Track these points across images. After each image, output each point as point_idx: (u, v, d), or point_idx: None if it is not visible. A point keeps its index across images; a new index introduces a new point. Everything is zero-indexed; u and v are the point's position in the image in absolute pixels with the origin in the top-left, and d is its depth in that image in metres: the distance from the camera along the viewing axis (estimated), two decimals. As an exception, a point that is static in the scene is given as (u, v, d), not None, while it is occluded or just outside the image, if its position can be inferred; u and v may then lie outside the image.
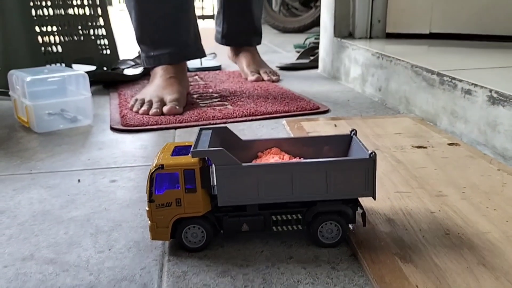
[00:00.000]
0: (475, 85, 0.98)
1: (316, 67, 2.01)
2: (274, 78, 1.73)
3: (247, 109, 1.32)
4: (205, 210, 0.62)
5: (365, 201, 0.71)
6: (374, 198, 0.61)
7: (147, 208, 0.61)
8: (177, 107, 1.29)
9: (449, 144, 0.98)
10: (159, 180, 0.60)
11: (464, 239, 0.61)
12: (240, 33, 1.80)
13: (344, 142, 0.70)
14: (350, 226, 0.66)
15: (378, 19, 1.75)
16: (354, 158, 0.61)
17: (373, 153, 0.60)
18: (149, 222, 0.62)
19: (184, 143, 0.67)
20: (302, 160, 0.68)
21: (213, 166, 0.61)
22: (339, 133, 0.70)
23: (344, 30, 1.79)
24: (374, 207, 0.71)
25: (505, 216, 0.67)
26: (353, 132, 0.69)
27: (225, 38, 1.82)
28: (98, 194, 0.82)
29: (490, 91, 0.93)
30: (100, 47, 1.83)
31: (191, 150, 0.60)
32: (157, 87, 1.36)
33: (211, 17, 4.82)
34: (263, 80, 1.72)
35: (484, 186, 0.77)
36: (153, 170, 0.60)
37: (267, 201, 0.61)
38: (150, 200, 0.61)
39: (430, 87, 1.15)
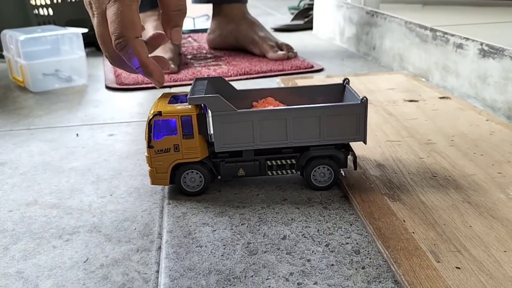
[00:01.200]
0: (467, 39, 0.99)
1: (311, 28, 2.00)
2: (295, 52, 1.46)
3: (242, 68, 1.32)
4: (202, 156, 0.64)
5: (357, 149, 0.74)
6: (365, 142, 0.64)
7: (146, 154, 0.63)
8: (172, 65, 1.29)
9: (440, 98, 1.00)
10: (157, 126, 0.62)
11: (451, 181, 0.64)
12: None
13: (337, 91, 0.71)
14: (342, 171, 0.68)
15: (373, -22, 1.74)
16: (346, 103, 0.63)
17: (364, 98, 0.61)
18: (148, 168, 0.64)
19: (179, 92, 0.69)
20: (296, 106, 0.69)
21: (210, 112, 0.62)
22: (333, 82, 0.72)
23: (339, -10, 1.77)
24: (365, 154, 0.74)
25: (491, 160, 0.70)
26: (345, 81, 0.71)
27: None
28: (97, 146, 0.84)
29: (481, 44, 0.94)
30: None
31: (187, 97, 0.62)
32: None
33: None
34: (288, 58, 1.41)
35: (472, 135, 0.79)
36: (151, 117, 0.62)
37: (263, 146, 0.63)
38: (149, 146, 0.63)
39: (423, 43, 1.16)
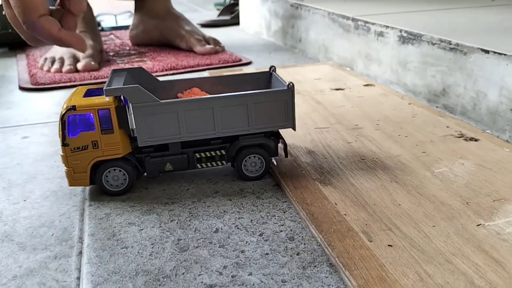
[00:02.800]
0: (387, 26, 1.02)
1: (238, 23, 1.99)
2: (222, 46, 1.43)
3: (168, 64, 1.28)
4: (125, 152, 0.60)
5: (287, 137, 0.73)
6: (294, 129, 0.63)
7: (61, 153, 0.58)
8: (93, 62, 1.22)
9: (365, 85, 1.02)
10: (72, 122, 0.57)
11: (378, 162, 0.65)
12: None
13: (264, 79, 0.70)
14: (273, 159, 0.67)
15: (296, -28, 1.76)
16: (273, 90, 0.62)
17: (291, 84, 0.60)
18: (65, 168, 0.59)
19: (96, 86, 0.64)
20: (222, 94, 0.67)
21: (130, 105, 0.58)
22: (259, 70, 0.70)
23: (263, -16, 1.78)
24: (296, 142, 0.73)
25: (415, 141, 0.72)
26: (272, 69, 0.70)
27: None
28: (9, 150, 0.77)
29: (400, 31, 0.98)
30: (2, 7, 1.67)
31: (104, 88, 0.57)
32: None
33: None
34: (216, 52, 1.38)
35: (396, 118, 0.82)
36: (64, 112, 0.57)
37: (190, 138, 0.60)
38: (64, 144, 0.58)
39: (346, 33, 1.19)
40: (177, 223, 0.54)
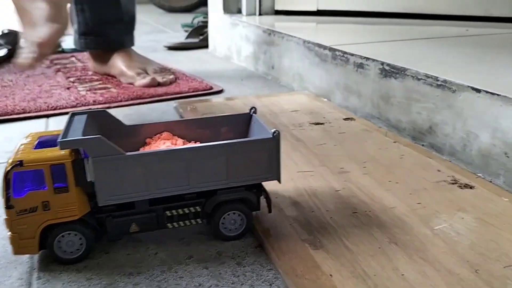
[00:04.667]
0: (367, 58, 0.97)
1: (206, 46, 1.92)
2: (170, 77, 1.28)
3: (134, 92, 1.19)
4: (82, 213, 0.51)
5: (268, 184, 0.66)
6: (279, 181, 0.56)
7: (5, 217, 0.49)
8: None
9: (345, 119, 0.97)
10: (18, 180, 0.48)
11: (372, 217, 0.58)
12: (107, 26, 1.29)
13: (243, 121, 0.63)
14: (257, 216, 0.59)
15: (267, -4, 1.71)
16: (256, 139, 0.54)
17: (277, 132, 0.53)
18: (9, 233, 0.49)
19: (51, 132, 0.55)
20: (198, 144, 0.59)
21: (89, 158, 0.50)
22: (237, 113, 0.63)
23: (233, 7, 1.72)
24: (278, 190, 0.66)
25: (407, 188, 0.66)
26: (252, 111, 0.62)
27: (84, 36, 1.30)
28: None
29: (382, 63, 0.93)
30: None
31: (58, 140, 0.48)
32: None
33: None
34: (158, 84, 1.25)
35: (383, 159, 0.76)
36: (8, 168, 0.47)
37: (159, 195, 0.52)
38: (8, 206, 0.48)
39: (323, 62, 1.14)
40: (144, 302, 0.46)
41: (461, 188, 0.66)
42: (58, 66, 1.54)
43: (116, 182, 0.50)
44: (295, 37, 1.25)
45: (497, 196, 0.63)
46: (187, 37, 2.05)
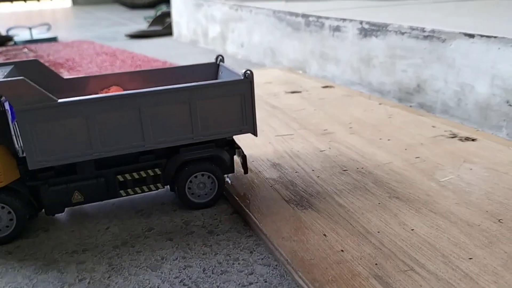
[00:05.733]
0: (344, 19, 0.89)
1: (171, 34, 1.81)
2: None
3: (89, 75, 1.07)
4: (8, 180, 0.40)
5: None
6: (255, 134, 0.46)
7: None
8: None
9: (324, 87, 0.88)
10: None
11: (366, 173, 0.50)
12: None
13: (209, 72, 0.53)
14: (228, 178, 0.50)
15: (232, -24, 1.62)
16: (225, 80, 0.45)
17: (249, 72, 0.44)
18: None
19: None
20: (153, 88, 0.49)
21: (13, 109, 0.39)
22: (203, 62, 0.54)
23: (197, -12, 1.62)
24: (253, 153, 0.56)
25: (402, 144, 0.57)
26: (219, 59, 0.53)
27: None
28: None
29: (361, 23, 0.85)
30: None
31: (-31, 83, 0.37)
32: None
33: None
34: None
35: (370, 120, 0.67)
36: None
37: (107, 154, 0.42)
38: None
39: (295, 31, 1.05)
40: (89, 283, 0.35)
41: (462, 141, 0.58)
42: (8, 56, 1.41)
43: (49, 139, 0.39)
44: (264, 8, 1.16)
45: (505, 147, 0.55)
46: (150, 26, 1.94)
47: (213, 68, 0.53)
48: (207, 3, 1.47)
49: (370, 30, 0.83)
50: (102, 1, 3.98)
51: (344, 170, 0.51)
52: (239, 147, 0.48)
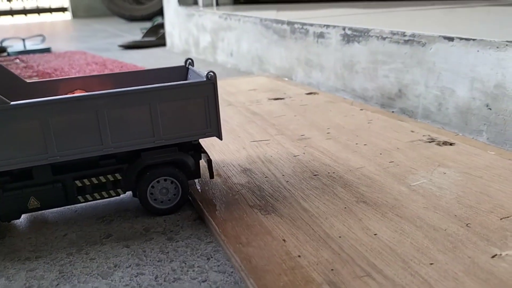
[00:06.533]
0: (327, 26, 0.89)
1: (164, 44, 1.81)
2: None
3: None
4: (-39, 184, 0.39)
5: (213, 155, 0.55)
6: (220, 137, 0.45)
7: None
8: None
9: (307, 94, 0.87)
10: None
11: (336, 178, 0.48)
12: None
13: (178, 76, 0.52)
14: (198, 185, 0.49)
15: (224, -15, 1.62)
16: (187, 82, 0.43)
17: (212, 74, 0.43)
18: None
19: None
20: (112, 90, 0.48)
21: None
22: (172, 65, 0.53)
23: (189, -2, 1.63)
24: (226, 159, 0.55)
25: (377, 149, 0.56)
26: (188, 62, 0.52)
27: None
28: None
29: (344, 28, 0.84)
30: None
31: None
32: None
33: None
34: None
35: (349, 125, 0.66)
36: None
37: (63, 158, 0.40)
38: None
39: (281, 39, 1.04)
40: (36, 291, 0.34)
41: (440, 145, 0.57)
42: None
43: (2, 142, 0.38)
44: (251, 17, 1.16)
45: (482, 151, 0.54)
46: (144, 37, 1.95)
47: (183, 71, 0.52)
48: (198, 13, 1.47)
49: (352, 36, 0.82)
50: (102, 14, 4.01)
51: (314, 175, 0.49)
52: (204, 152, 0.47)
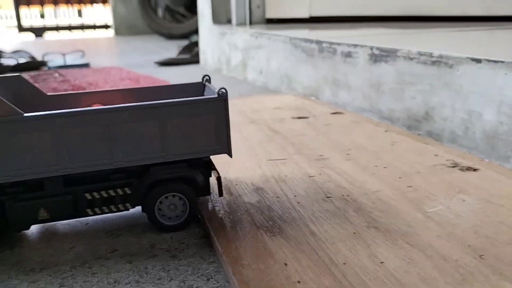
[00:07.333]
0: (355, 45, 0.88)
1: (198, 62, 1.85)
2: None
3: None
4: (-25, 193, 0.40)
5: (229, 172, 0.55)
6: (230, 155, 0.45)
7: None
8: None
9: (333, 113, 0.86)
10: None
11: (350, 201, 0.47)
12: None
13: (195, 92, 0.53)
14: (210, 203, 0.48)
15: (258, 5, 1.64)
16: (198, 98, 0.44)
17: (223, 91, 0.43)
18: None
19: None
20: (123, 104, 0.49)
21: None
22: (189, 82, 0.53)
23: (223, 17, 1.65)
24: (240, 177, 0.55)
25: (397, 172, 0.54)
26: (205, 79, 0.52)
27: None
28: None
29: (371, 48, 0.83)
30: None
31: None
32: None
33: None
34: None
35: (372, 147, 0.64)
36: None
37: (73, 170, 0.41)
38: None
39: (309, 58, 1.04)
40: (35, 302, 0.34)
41: (463, 171, 0.54)
42: (37, 80, 1.47)
43: (15, 153, 0.39)
44: (281, 35, 1.16)
45: (506, 178, 0.51)
46: (179, 54, 1.99)
47: (199, 87, 0.52)
48: (230, 31, 1.49)
49: (380, 55, 0.81)
50: (143, 32, 4.14)
51: (327, 197, 0.48)
52: (215, 168, 0.47)
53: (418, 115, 0.73)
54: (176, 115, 0.42)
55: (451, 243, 0.37)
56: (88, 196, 0.43)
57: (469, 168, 0.55)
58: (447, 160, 0.58)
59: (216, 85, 1.39)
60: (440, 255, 0.36)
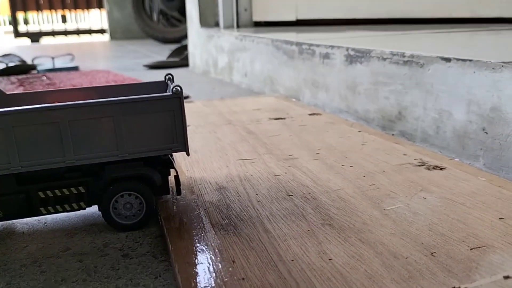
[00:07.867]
0: (332, 46, 0.87)
1: (187, 65, 1.84)
2: None
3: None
4: None
5: (195, 172, 0.55)
6: (187, 153, 0.44)
7: None
8: None
9: (310, 114, 0.86)
10: None
11: (310, 199, 0.46)
12: None
13: (159, 90, 0.52)
14: (174, 203, 0.48)
15: (245, 8, 1.64)
16: (152, 96, 0.43)
17: (178, 88, 0.43)
18: None
19: None
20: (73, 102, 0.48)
21: None
22: (152, 80, 0.53)
23: (211, 20, 1.65)
24: (205, 176, 0.54)
25: (362, 171, 0.54)
26: (167, 78, 0.52)
27: None
28: None
29: (347, 49, 0.83)
30: None
31: None
32: None
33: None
34: None
35: (342, 147, 0.64)
36: None
37: (25, 169, 0.41)
38: None
39: (290, 60, 1.04)
40: (-24, 301, 0.34)
41: (429, 170, 0.54)
42: (24, 83, 1.46)
43: (-35, 150, 0.39)
44: (264, 38, 1.16)
45: (472, 176, 0.51)
46: (169, 57, 1.99)
47: (162, 86, 0.52)
48: (217, 34, 1.49)
49: (355, 56, 0.80)
50: (138, 36, 4.14)
51: (288, 196, 0.48)
52: (173, 167, 0.46)
53: (392, 115, 0.72)
54: (130, 113, 0.42)
55: (404, 241, 0.37)
56: (41, 194, 0.42)
57: (435, 167, 0.54)
58: (415, 159, 0.57)
59: (202, 87, 1.38)
60: (390, 252, 0.35)
